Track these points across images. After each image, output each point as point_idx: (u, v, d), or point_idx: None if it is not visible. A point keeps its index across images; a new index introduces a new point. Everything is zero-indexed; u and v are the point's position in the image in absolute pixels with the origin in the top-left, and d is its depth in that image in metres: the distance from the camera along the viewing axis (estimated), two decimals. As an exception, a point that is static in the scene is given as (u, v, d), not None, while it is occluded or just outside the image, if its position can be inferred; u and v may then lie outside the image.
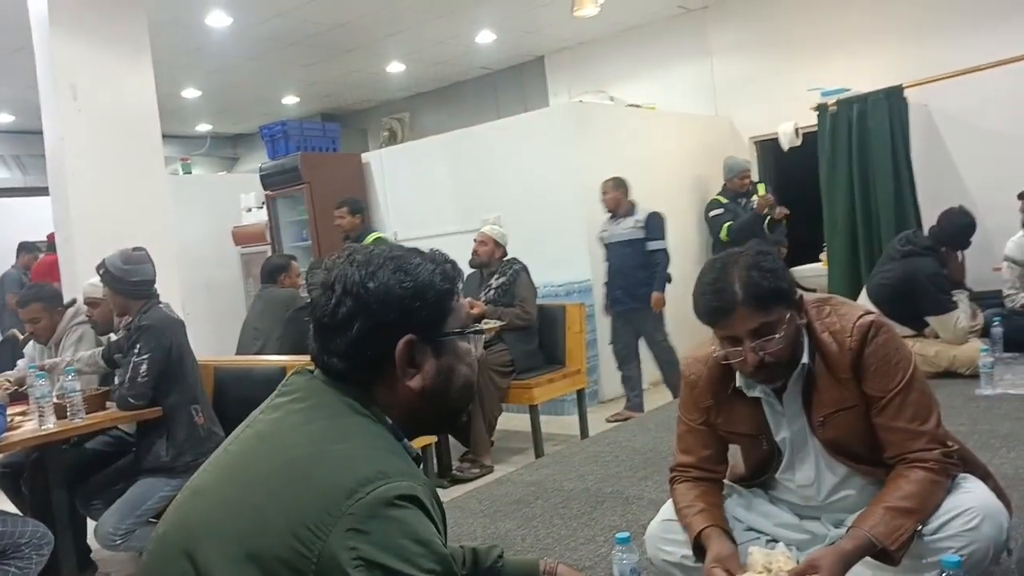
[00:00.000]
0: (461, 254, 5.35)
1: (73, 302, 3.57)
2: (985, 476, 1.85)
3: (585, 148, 5.61)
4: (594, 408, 5.16)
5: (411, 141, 7.51)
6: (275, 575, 0.92)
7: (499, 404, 4.28)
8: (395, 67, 8.46)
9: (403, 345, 1.09)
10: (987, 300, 4.72)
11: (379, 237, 5.12)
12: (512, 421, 4.76)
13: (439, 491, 3.60)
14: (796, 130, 6.31)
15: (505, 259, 4.59)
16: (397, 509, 0.94)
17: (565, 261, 5.53)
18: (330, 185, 6.58)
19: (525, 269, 4.59)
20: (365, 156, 7.04)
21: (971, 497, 1.71)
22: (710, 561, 1.74)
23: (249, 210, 7.47)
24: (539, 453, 4.23)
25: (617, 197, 5.14)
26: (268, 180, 6.99)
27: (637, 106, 6.42)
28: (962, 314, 4.26)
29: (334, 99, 9.78)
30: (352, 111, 10.37)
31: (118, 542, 2.89)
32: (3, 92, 7.86)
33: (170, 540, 1.01)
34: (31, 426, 2.91)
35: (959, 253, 4.44)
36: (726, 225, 5.57)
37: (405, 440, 1.13)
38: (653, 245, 5.05)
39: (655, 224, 5.05)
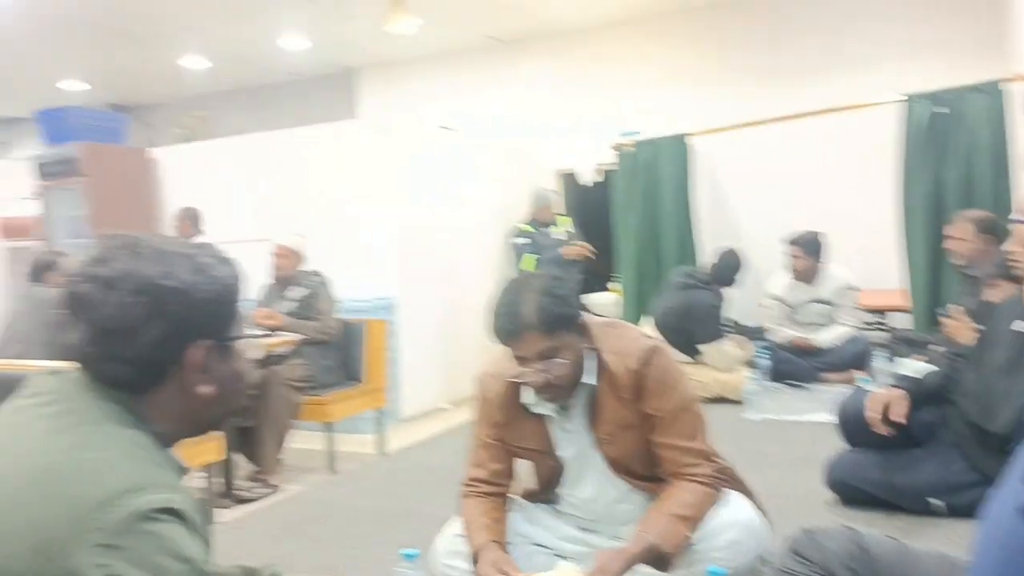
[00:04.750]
0: (255, 262, 5.10)
1: None
2: (748, 494, 2.02)
3: (391, 165, 5.57)
4: (393, 426, 5.08)
5: (208, 140, 7.09)
6: None
7: (291, 420, 4.09)
8: (193, 62, 8.06)
9: (200, 351, 1.01)
10: (751, 333, 5.20)
11: None
12: (310, 440, 4.58)
13: (222, 511, 3.42)
14: (597, 167, 6.69)
15: (306, 271, 4.44)
16: (155, 523, 0.86)
17: (370, 277, 5.42)
18: (112, 179, 6.05)
19: (326, 282, 4.46)
20: (154, 151, 6.55)
21: (737, 513, 1.86)
22: (483, 565, 1.78)
23: (21, 200, 6.72)
24: (332, 472, 4.10)
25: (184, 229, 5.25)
26: (45, 169, 6.37)
27: (447, 128, 6.49)
28: (731, 344, 4.67)
29: (128, 90, 9.11)
30: (147, 105, 9.66)
31: None
32: None
33: None
34: None
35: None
36: (532, 256, 5.76)
37: (170, 450, 1.05)
38: None
39: None
